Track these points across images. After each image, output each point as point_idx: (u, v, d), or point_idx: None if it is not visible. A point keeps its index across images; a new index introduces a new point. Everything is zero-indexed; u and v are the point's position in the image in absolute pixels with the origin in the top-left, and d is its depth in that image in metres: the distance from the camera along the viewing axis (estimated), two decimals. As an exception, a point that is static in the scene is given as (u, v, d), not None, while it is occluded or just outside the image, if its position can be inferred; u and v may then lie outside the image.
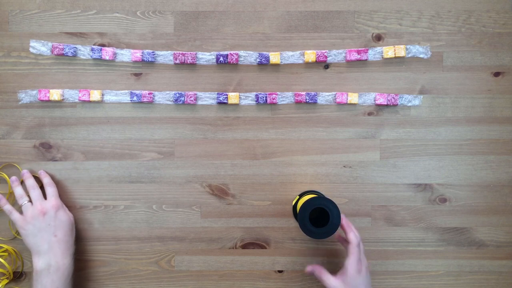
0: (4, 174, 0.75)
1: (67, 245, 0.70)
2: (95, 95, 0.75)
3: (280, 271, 0.77)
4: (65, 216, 0.71)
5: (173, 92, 0.75)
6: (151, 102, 0.75)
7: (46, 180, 0.73)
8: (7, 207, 0.71)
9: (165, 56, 0.75)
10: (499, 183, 0.76)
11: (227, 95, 0.75)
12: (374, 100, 0.75)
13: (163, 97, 0.75)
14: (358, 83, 0.76)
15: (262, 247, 0.77)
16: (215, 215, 0.77)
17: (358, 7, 0.75)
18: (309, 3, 0.75)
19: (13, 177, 0.73)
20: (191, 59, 0.74)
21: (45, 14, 0.75)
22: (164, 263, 0.77)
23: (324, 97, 0.75)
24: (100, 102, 0.76)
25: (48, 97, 0.74)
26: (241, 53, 0.75)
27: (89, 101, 0.75)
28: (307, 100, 0.75)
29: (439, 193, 0.76)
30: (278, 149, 0.76)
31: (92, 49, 0.75)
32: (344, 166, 0.76)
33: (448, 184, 0.76)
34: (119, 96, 0.75)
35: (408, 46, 0.75)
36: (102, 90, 0.75)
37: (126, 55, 0.75)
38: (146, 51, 0.74)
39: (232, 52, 0.74)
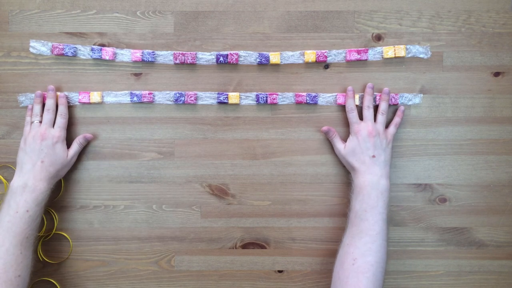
0: (0, 176, 0.75)
1: (50, 175, 0.69)
2: (95, 97, 0.74)
3: (280, 271, 0.77)
4: (61, 150, 0.71)
5: (173, 92, 0.75)
6: (151, 102, 0.75)
7: (61, 109, 0.73)
8: (28, 118, 0.73)
9: (165, 56, 0.75)
10: (499, 183, 0.76)
11: (227, 95, 0.75)
12: (375, 100, 0.75)
13: (163, 97, 0.75)
14: (358, 83, 0.76)
15: (262, 247, 0.77)
16: (215, 215, 0.77)
17: (358, 7, 0.75)
18: (309, 3, 0.75)
19: (38, 92, 0.73)
20: (191, 59, 0.74)
21: (45, 14, 0.75)
22: (164, 263, 0.77)
23: (324, 98, 0.75)
24: (100, 104, 0.75)
25: (48, 97, 0.74)
26: (241, 53, 0.75)
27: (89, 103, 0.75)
28: (307, 101, 0.75)
29: (439, 193, 0.76)
30: (278, 149, 0.76)
31: (92, 49, 0.74)
32: (344, 166, 0.76)
33: (448, 184, 0.76)
34: (119, 97, 0.75)
35: (408, 46, 0.75)
36: (102, 92, 0.75)
37: (126, 55, 0.75)
38: (146, 51, 0.74)
39: (232, 52, 0.74)
